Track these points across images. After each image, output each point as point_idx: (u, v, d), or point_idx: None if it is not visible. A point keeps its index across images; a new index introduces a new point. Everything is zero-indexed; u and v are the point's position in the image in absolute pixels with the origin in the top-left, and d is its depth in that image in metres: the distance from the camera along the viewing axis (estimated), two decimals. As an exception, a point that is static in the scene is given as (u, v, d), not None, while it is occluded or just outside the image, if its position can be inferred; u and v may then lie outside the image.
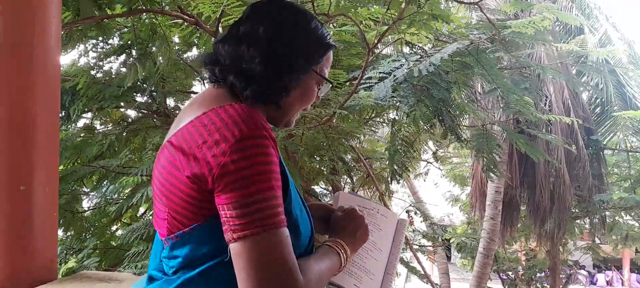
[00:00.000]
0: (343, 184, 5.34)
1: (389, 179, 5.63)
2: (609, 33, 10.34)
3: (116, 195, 4.67)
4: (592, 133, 9.24)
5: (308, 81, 1.12)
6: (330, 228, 1.23)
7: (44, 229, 1.67)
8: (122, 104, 4.03)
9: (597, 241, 13.28)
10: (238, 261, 0.94)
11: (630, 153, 10.13)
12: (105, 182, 4.74)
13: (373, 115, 4.36)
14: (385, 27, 2.57)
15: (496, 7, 4.90)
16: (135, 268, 3.26)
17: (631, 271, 21.65)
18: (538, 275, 12.66)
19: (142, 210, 4.94)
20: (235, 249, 0.94)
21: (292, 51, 1.07)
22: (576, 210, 9.40)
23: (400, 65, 3.12)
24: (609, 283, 21.75)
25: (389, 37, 2.92)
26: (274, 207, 0.94)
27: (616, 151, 10.47)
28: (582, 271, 16.68)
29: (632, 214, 10.37)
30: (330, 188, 5.17)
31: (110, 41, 3.56)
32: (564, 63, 8.38)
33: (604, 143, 9.73)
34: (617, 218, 10.70)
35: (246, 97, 1.06)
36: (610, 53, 7.36)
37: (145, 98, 4.07)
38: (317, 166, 3.77)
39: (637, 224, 10.84)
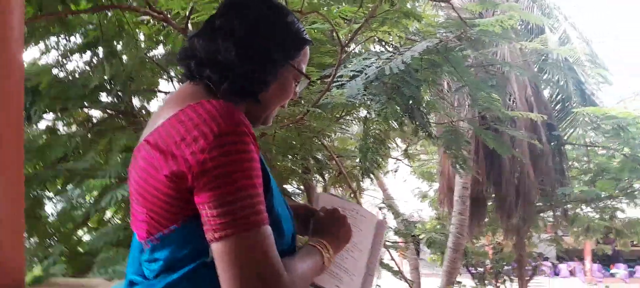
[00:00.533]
0: (315, 182, 5.34)
1: (361, 176, 5.67)
2: (567, 32, 10.69)
3: (82, 199, 4.54)
4: (554, 129, 9.53)
5: (286, 75, 1.11)
6: (313, 228, 1.23)
7: (9, 238, 1.60)
8: (86, 104, 3.92)
9: (560, 233, 13.71)
10: (220, 261, 0.92)
11: (589, 148, 10.49)
12: (69, 186, 4.59)
13: (343, 113, 4.38)
14: (358, 25, 2.58)
15: (462, 6, 4.99)
16: (106, 273, 3.18)
17: (592, 261, 22.47)
18: (505, 268, 12.98)
19: (109, 214, 4.81)
20: (217, 249, 0.92)
21: (269, 44, 1.06)
22: (540, 204, 9.67)
23: (371, 63, 3.14)
24: (571, 273, 22.53)
25: (361, 35, 2.93)
26: (255, 204, 0.92)
27: (576, 146, 10.84)
28: (547, 262, 17.22)
29: (593, 206, 10.75)
30: (302, 187, 5.17)
31: (74, 39, 3.46)
32: (526, 61, 8.62)
33: (565, 138, 10.06)
34: (578, 210, 11.07)
35: (224, 91, 1.04)
36: (570, 51, 7.61)
37: (110, 98, 3.96)
38: (290, 165, 3.76)
39: (597, 216, 11.24)
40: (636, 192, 9.79)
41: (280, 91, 1.12)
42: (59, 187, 4.59)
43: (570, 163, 10.71)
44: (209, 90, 1.05)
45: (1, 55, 1.56)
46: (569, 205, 10.23)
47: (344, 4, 3.05)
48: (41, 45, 3.01)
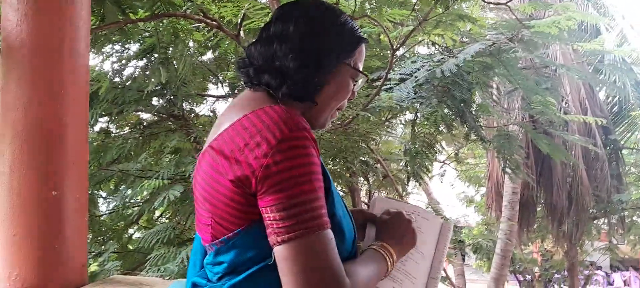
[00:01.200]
0: (360, 186, 5.32)
1: (406, 180, 5.61)
2: (625, 32, 10.22)
3: (134, 199, 4.69)
4: (610, 132, 9.12)
5: (342, 75, 1.10)
6: (376, 232, 1.21)
7: (74, 234, 1.67)
8: (141, 107, 4.05)
9: (615, 241, 13.10)
10: (283, 265, 0.92)
11: (648, 153, 9.98)
12: (122, 187, 4.75)
13: (390, 116, 4.34)
14: (408, 28, 2.55)
15: (514, 7, 4.84)
16: (158, 271, 3.27)
17: (648, 272, 21.34)
18: (555, 276, 12.52)
19: (157, 213, 4.95)
20: (279, 253, 0.93)
21: (324, 45, 1.06)
22: (594, 211, 9.27)
23: (421, 66, 3.10)
24: (626, 283, 21.44)
25: (412, 38, 2.89)
26: (317, 208, 0.93)
27: (634, 150, 10.33)
28: (600, 271, 16.48)
29: (650, 214, 10.23)
30: (347, 189, 5.16)
31: (129, 46, 3.58)
32: (580, 62, 8.29)
33: (622, 142, 9.60)
34: (635, 218, 10.55)
35: (282, 95, 1.05)
36: (629, 52, 7.25)
37: (162, 102, 4.08)
38: (337, 168, 3.75)
39: (655, 224, 10.68)
40: (698, 199, 9.23)
41: (337, 91, 1.11)
42: (112, 187, 4.77)
43: (627, 168, 10.22)
44: (269, 95, 1.06)
45: (71, 63, 1.64)
46: (625, 212, 9.76)
47: (392, 8, 3.03)
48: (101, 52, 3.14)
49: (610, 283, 20.95)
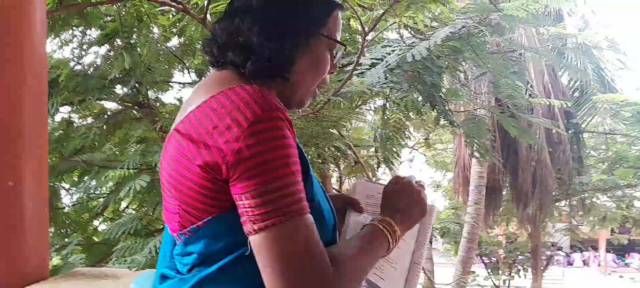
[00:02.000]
0: (331, 172, 5.30)
1: (376, 166, 5.62)
2: (586, 17, 10.50)
3: (99, 190, 4.55)
4: (572, 116, 9.39)
5: (316, 47, 1.02)
6: (382, 204, 1.13)
7: (35, 226, 1.59)
8: (104, 96, 3.91)
9: (575, 223, 13.57)
10: (261, 255, 0.87)
11: (608, 136, 10.33)
12: (86, 177, 4.61)
13: (360, 102, 4.32)
14: (379, 12, 2.53)
15: (480, -9, 4.91)
16: (124, 263, 3.18)
17: (607, 251, 22.25)
18: (519, 257, 12.89)
19: (124, 204, 4.83)
20: (255, 242, 0.87)
21: (291, 15, 0.99)
22: (557, 193, 9.56)
23: (392, 50, 3.08)
24: (585, 263, 22.35)
25: (383, 21, 2.87)
26: (295, 193, 0.87)
27: (595, 134, 10.67)
28: (560, 252, 17.07)
29: (610, 195, 10.60)
30: (319, 177, 5.13)
31: (89, 31, 3.44)
32: (544, 47, 8.47)
33: (583, 126, 9.90)
34: (594, 199, 10.93)
35: (249, 72, 0.98)
36: (591, 36, 7.45)
37: (127, 90, 3.95)
38: (307, 155, 3.72)
39: (614, 205, 11.09)
40: (655, 181, 9.63)
41: (313, 66, 1.03)
42: (76, 178, 4.62)
43: (588, 151, 10.56)
44: (239, 74, 0.99)
45: (26, 49, 1.54)
46: (585, 194, 10.10)
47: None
48: (60, 37, 2.99)
49: (570, 263, 21.78)
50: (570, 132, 9.15)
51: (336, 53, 1.07)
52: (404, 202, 1.10)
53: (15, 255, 1.52)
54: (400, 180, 1.14)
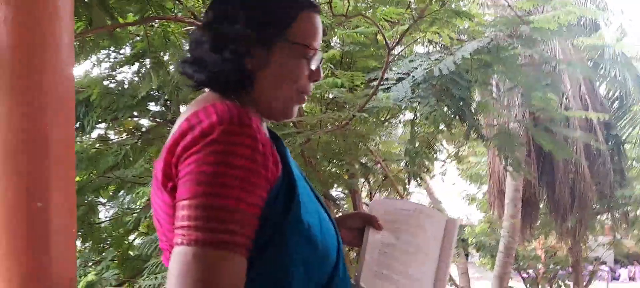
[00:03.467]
0: (360, 187, 5.26)
1: (407, 180, 5.55)
2: (624, 26, 10.18)
3: (133, 205, 4.64)
4: (612, 128, 9.07)
5: (283, 53, 0.96)
6: None
7: (62, 247, 1.61)
8: (136, 113, 4.00)
9: (619, 236, 13.03)
10: (172, 267, 0.79)
11: (650, 147, 9.93)
12: (121, 193, 4.71)
13: (389, 116, 4.29)
14: (404, 27, 2.50)
15: (513, 4, 4.79)
16: (155, 279, 3.21)
17: (653, 266, 21.25)
18: (560, 272, 12.45)
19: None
20: (175, 253, 0.80)
21: (245, 23, 0.94)
22: (597, 206, 9.21)
23: (419, 65, 3.05)
24: (631, 278, 21.37)
25: (408, 36, 2.85)
26: (228, 220, 0.79)
27: (636, 145, 10.27)
28: (604, 267, 16.40)
29: (654, 208, 10.16)
30: (347, 191, 5.10)
31: (122, 51, 3.53)
32: (580, 57, 8.22)
33: (624, 137, 9.55)
34: (638, 212, 10.49)
35: (200, 83, 0.96)
36: (628, 46, 7.20)
37: (158, 107, 4.03)
38: (335, 170, 3.70)
39: (660, 218, 10.61)
40: (701, 192, 9.18)
41: (283, 74, 0.97)
42: (111, 194, 4.72)
43: (629, 163, 10.16)
44: (223, 94, 0.96)
45: (54, 69, 1.58)
46: (628, 207, 9.69)
47: (388, 6, 2.98)
48: (92, 58, 3.09)
49: (615, 278, 20.88)
50: (610, 143, 8.82)
51: (311, 58, 1.00)
52: None
53: (42, 277, 1.55)
54: None
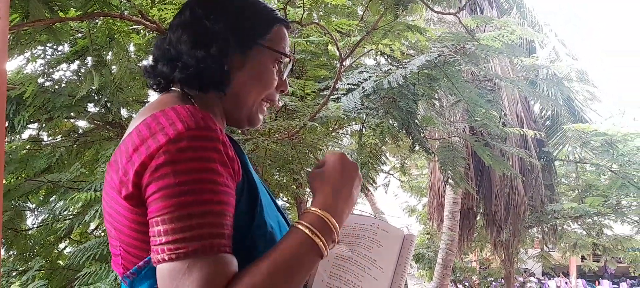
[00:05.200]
0: (306, 197, 5.25)
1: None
2: (557, 49, 10.81)
3: (65, 212, 4.40)
4: (544, 145, 9.58)
5: (258, 59, 0.98)
6: (313, 190, 0.96)
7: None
8: (72, 114, 3.80)
9: (547, 249, 13.75)
10: (163, 282, 0.76)
11: (578, 164, 10.56)
12: (53, 198, 4.46)
13: (337, 126, 4.31)
14: (356, 38, 2.52)
15: (456, 21, 4.98)
16: (87, 290, 3.04)
17: (577, 277, 22.57)
18: (493, 284, 12.96)
19: (92, 226, 4.68)
20: (163, 272, 0.77)
21: (222, 25, 0.95)
22: (529, 220, 9.69)
23: (369, 76, 3.08)
24: (558, 288, 22.57)
25: (361, 48, 2.87)
26: (209, 224, 0.77)
27: (565, 162, 10.89)
28: (533, 278, 17.24)
29: (580, 223, 10.79)
30: (293, 201, 5.07)
31: (61, 48, 3.34)
32: (517, 77, 8.66)
33: (554, 154, 10.10)
34: (566, 226, 11.11)
35: (179, 80, 0.94)
36: (563, 68, 7.65)
37: (98, 108, 3.85)
38: (283, 179, 3.67)
39: (584, 232, 11.28)
40: (624, 209, 9.84)
41: (255, 78, 0.98)
42: (41, 199, 4.46)
43: (559, 179, 10.77)
44: (182, 98, 0.94)
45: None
46: (557, 221, 10.26)
47: (339, 18, 3.00)
48: (27, 53, 2.89)
49: (543, 289, 21.96)
50: (542, 160, 9.32)
51: (283, 68, 1.03)
52: (329, 186, 0.93)
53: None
54: (325, 160, 0.99)
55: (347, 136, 5.36)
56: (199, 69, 0.92)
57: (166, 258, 0.76)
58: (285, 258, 0.81)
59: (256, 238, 0.86)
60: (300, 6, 2.62)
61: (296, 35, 3.28)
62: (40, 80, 3.27)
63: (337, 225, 0.89)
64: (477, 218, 9.94)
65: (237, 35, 0.96)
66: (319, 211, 0.88)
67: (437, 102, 5.99)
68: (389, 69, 3.00)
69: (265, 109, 1.05)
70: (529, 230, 10.93)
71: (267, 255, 0.80)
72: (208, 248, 0.76)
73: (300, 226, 0.86)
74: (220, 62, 0.94)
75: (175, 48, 0.95)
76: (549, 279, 21.87)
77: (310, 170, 1.04)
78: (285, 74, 1.04)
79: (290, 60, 1.05)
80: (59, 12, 2.15)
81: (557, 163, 10.56)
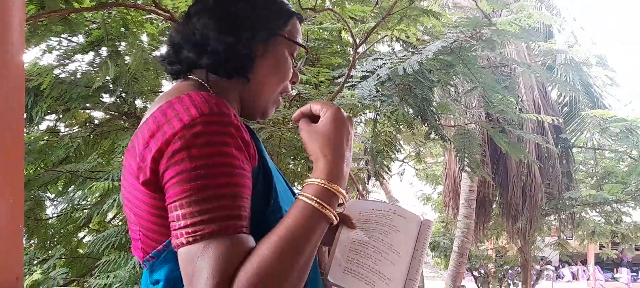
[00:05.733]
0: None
1: (366, 179, 5.57)
2: (575, 33, 10.62)
3: (84, 201, 4.46)
4: (561, 132, 9.44)
5: (277, 48, 1.00)
6: (309, 151, 0.94)
7: (8, 244, 1.50)
8: (88, 105, 3.83)
9: (564, 237, 13.61)
10: (183, 267, 0.78)
11: (596, 151, 10.39)
12: (71, 188, 4.52)
13: (351, 114, 4.29)
14: (370, 25, 2.49)
15: (473, 7, 4.89)
16: (107, 278, 3.09)
17: (595, 265, 22.35)
18: (509, 272, 12.89)
19: (110, 215, 4.74)
20: (186, 254, 0.78)
21: (248, 12, 0.96)
22: (546, 208, 9.58)
23: (383, 63, 3.05)
24: (574, 277, 22.39)
25: (375, 34, 2.84)
26: (227, 207, 0.78)
27: (583, 149, 10.73)
28: (550, 266, 17.11)
29: (598, 210, 10.65)
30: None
31: (76, 39, 3.37)
32: (534, 62, 8.53)
33: (572, 141, 9.96)
34: (583, 214, 10.96)
35: (206, 67, 0.94)
36: (581, 53, 7.51)
37: (113, 99, 3.88)
38: (296, 168, 3.66)
39: (603, 220, 11.13)
40: (643, 196, 9.67)
41: (275, 66, 1.00)
42: (60, 189, 4.52)
43: (577, 166, 10.61)
44: (199, 85, 0.95)
45: (2, 54, 1.47)
46: (574, 209, 10.13)
47: (353, 4, 2.96)
48: (43, 44, 2.91)
49: (559, 277, 21.81)
50: (559, 147, 9.18)
51: (296, 59, 1.05)
52: (314, 137, 0.93)
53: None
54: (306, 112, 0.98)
55: (361, 124, 5.33)
56: (228, 55, 0.93)
57: (184, 242, 0.78)
58: (295, 234, 0.81)
59: (271, 223, 0.86)
60: (313, -7, 2.60)
61: (309, 22, 3.26)
62: (56, 71, 3.30)
63: (343, 191, 0.90)
64: (493, 206, 9.86)
65: (261, 23, 0.97)
66: (325, 182, 0.87)
67: (452, 89, 5.93)
68: (404, 56, 2.97)
69: (280, 100, 1.07)
70: (546, 218, 10.82)
71: (276, 232, 0.81)
72: (223, 229, 0.77)
73: (307, 199, 0.85)
74: (248, 49, 0.95)
75: (201, 34, 0.94)
76: (563, 267, 21.69)
77: (298, 122, 0.99)
78: (298, 66, 1.07)
79: (306, 52, 1.09)
80: (73, 2, 2.16)
81: (575, 150, 10.41)
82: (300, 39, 1.05)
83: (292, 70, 1.03)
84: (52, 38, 3.03)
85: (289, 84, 1.05)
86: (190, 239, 0.77)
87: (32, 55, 3.34)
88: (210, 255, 0.76)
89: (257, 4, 0.98)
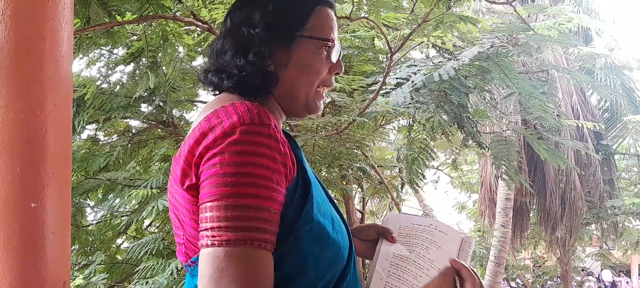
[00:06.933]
0: (354, 193, 5.23)
1: (400, 187, 5.52)
2: (614, 36, 10.28)
3: (122, 208, 4.58)
4: (602, 138, 9.13)
5: (301, 50, 0.99)
6: None
7: (56, 249, 1.55)
8: (128, 114, 3.95)
9: (606, 247, 13.12)
10: (206, 269, 0.80)
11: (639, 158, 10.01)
12: (110, 195, 4.65)
13: (384, 122, 4.27)
14: (408, 31, 2.48)
15: (509, 12, 4.81)
16: (146, 284, 3.16)
17: (639, 276, 21.46)
18: (548, 282, 12.51)
19: (147, 222, 4.85)
20: (206, 256, 0.81)
21: (262, 27, 0.97)
22: (587, 216, 9.27)
23: (418, 70, 3.03)
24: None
25: (411, 41, 2.82)
26: (253, 218, 0.80)
27: (626, 156, 10.35)
28: (591, 277, 16.53)
29: (643, 219, 10.24)
30: (340, 197, 5.07)
31: (116, 50, 3.48)
32: (573, 67, 8.30)
33: (614, 147, 9.62)
34: (627, 223, 10.55)
35: (228, 90, 0.98)
36: (621, 56, 7.26)
37: (151, 108, 3.98)
38: (330, 175, 3.67)
39: (648, 229, 10.71)
40: (689, 205, 9.24)
41: (303, 71, 0.99)
42: (100, 196, 4.65)
43: (619, 174, 10.24)
44: (244, 95, 0.98)
45: (53, 67, 1.53)
46: (617, 218, 9.76)
47: (388, 11, 2.96)
48: (84, 58, 3.03)
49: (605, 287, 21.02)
50: (600, 153, 8.88)
51: (329, 50, 1.02)
52: None
53: (35, 279, 1.49)
54: (448, 269, 1.07)
55: (393, 131, 5.31)
56: (241, 77, 0.96)
57: (208, 243, 0.80)
58: None
59: (302, 233, 0.89)
60: (347, 2, 2.61)
61: (342, 30, 3.27)
62: (98, 82, 3.41)
63: None
64: (531, 215, 9.60)
65: (276, 33, 0.97)
66: None
67: (488, 95, 5.83)
68: (440, 62, 2.94)
69: (323, 94, 1.06)
70: (587, 227, 10.46)
71: None
72: (242, 240, 0.79)
73: None
74: (259, 67, 0.96)
75: (218, 60, 0.99)
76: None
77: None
78: (335, 57, 1.03)
79: (331, 42, 1.03)
80: (116, 16, 2.23)
81: (617, 156, 10.05)
82: (331, 28, 1.03)
83: (326, 65, 1.02)
84: (94, 50, 3.15)
85: (328, 77, 1.04)
86: (209, 242, 0.80)
87: (76, 68, 3.47)
88: (228, 265, 0.79)
89: (269, 16, 0.98)
